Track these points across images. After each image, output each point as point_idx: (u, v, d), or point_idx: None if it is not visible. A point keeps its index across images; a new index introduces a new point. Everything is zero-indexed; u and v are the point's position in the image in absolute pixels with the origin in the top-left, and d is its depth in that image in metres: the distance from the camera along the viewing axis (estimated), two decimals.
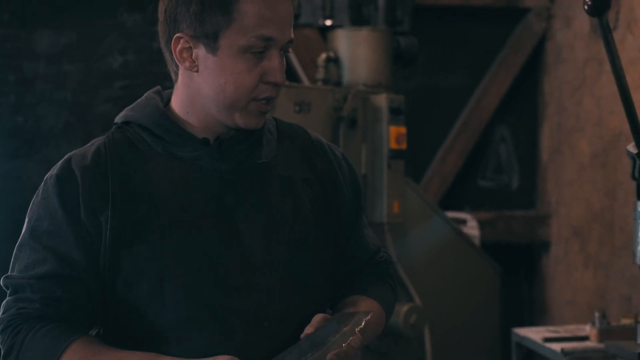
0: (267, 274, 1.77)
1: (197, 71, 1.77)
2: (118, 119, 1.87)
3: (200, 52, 1.76)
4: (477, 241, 4.68)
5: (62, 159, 1.80)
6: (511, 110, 5.44)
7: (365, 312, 1.80)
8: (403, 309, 4.01)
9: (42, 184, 1.79)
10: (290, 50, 1.81)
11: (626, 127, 3.99)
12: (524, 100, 5.45)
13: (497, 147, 5.46)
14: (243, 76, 1.74)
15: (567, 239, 5.11)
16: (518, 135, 5.48)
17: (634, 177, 2.35)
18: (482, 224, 4.96)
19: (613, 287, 4.58)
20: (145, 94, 1.88)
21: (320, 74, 4.34)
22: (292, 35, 1.78)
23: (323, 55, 4.37)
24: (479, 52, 5.39)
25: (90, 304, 1.76)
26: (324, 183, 1.89)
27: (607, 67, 4.45)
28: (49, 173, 1.80)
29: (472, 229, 4.79)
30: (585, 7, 2.09)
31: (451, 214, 4.73)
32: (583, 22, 4.93)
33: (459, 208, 5.24)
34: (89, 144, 1.83)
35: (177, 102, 1.82)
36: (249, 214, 1.78)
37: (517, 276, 5.37)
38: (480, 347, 4.47)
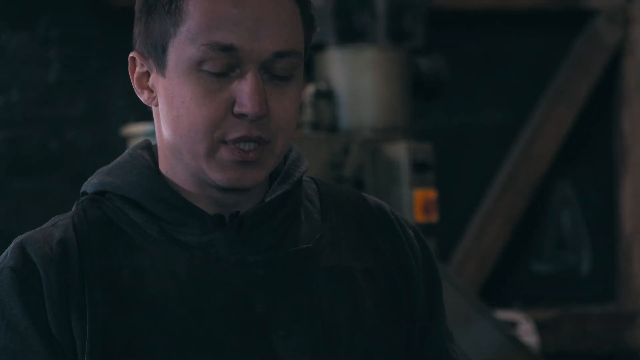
0: None
1: (157, 104, 1.52)
2: (89, 186, 1.56)
3: (154, 75, 1.52)
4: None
5: (11, 246, 1.51)
6: (576, 159, 5.02)
7: None
8: None
9: None
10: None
11: None
12: (595, 145, 5.04)
13: (558, 214, 5.02)
14: (198, 104, 1.43)
15: None
16: (588, 195, 5.05)
17: None
18: (540, 327, 4.42)
19: None
20: (127, 150, 1.61)
21: (308, 115, 3.82)
22: (290, 46, 1.42)
23: (310, 88, 3.83)
24: (525, 76, 4.96)
25: None
26: (391, 274, 1.61)
27: None
28: None
29: (526, 334, 4.23)
30: None
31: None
32: None
33: (506, 303, 4.71)
34: (47, 224, 1.54)
35: (160, 160, 1.57)
36: (289, 325, 1.52)
37: None
38: None
